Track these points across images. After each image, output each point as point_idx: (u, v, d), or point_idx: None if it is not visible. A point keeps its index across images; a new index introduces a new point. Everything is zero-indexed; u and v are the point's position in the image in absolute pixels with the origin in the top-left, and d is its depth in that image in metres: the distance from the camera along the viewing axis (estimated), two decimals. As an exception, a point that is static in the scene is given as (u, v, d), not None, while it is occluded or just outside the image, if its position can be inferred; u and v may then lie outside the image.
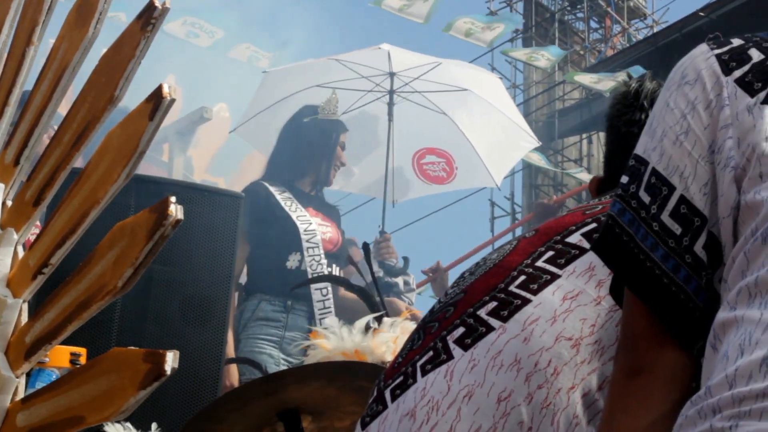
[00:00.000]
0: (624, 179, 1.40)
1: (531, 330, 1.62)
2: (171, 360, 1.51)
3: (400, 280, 5.73)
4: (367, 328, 3.00)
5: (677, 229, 1.32)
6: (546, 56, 14.59)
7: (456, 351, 1.66)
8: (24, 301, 1.85)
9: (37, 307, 1.80)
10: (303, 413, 2.39)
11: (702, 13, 17.14)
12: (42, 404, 1.71)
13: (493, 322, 1.66)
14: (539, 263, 1.71)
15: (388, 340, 2.92)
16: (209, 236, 3.61)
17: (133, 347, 1.60)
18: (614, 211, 1.39)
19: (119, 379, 1.57)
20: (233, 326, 4.82)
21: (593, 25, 21.56)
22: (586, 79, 14.50)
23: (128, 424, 2.83)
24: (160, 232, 1.58)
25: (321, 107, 5.24)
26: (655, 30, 20.23)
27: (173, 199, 1.59)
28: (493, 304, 1.68)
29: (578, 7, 21.25)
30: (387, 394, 1.70)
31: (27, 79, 2.11)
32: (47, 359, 2.62)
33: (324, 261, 4.82)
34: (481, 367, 1.61)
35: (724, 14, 16.80)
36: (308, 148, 5.15)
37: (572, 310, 1.62)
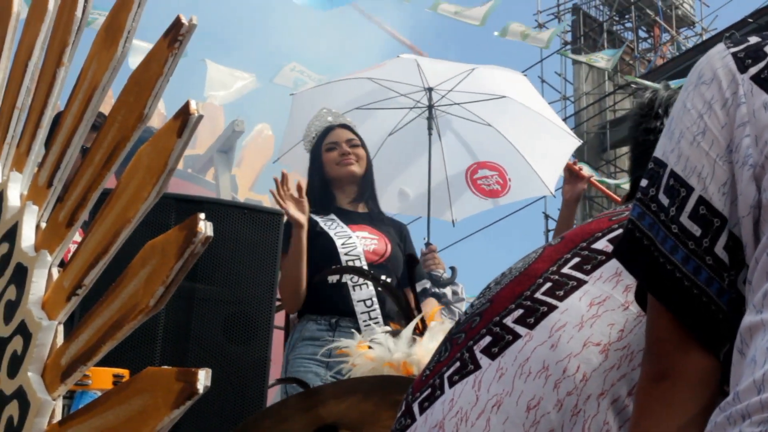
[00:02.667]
0: (643, 183, 1.38)
1: (558, 336, 1.59)
2: (203, 378, 1.49)
3: (448, 290, 5.68)
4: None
5: (697, 230, 1.30)
6: (604, 57, 14.62)
7: (483, 360, 1.63)
8: (59, 323, 1.84)
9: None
10: (341, 429, 2.37)
11: (750, 20, 17.10)
12: (78, 426, 1.70)
13: (520, 329, 1.63)
14: (565, 270, 1.68)
15: (432, 350, 2.87)
16: (251, 254, 3.59)
17: (168, 367, 1.59)
18: (634, 215, 1.37)
19: (153, 399, 1.55)
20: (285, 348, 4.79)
21: (642, 34, 21.54)
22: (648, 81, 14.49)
23: (172, 445, 2.82)
24: (190, 249, 1.56)
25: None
26: (704, 38, 20.16)
27: (202, 215, 1.57)
28: (519, 311, 1.66)
29: (626, 16, 21.23)
30: (415, 407, 1.67)
31: (58, 100, 2.11)
32: (90, 381, 2.62)
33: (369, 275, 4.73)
34: (509, 375, 1.59)
35: (773, 20, 16.76)
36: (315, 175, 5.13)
37: (600, 315, 1.59)
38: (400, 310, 3.20)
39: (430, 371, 1.71)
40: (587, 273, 1.66)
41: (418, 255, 5.59)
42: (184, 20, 1.75)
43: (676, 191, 1.33)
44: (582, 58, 15.20)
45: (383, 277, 4.71)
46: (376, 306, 4.61)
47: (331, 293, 4.68)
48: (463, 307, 5.57)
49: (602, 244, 1.68)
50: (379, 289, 4.61)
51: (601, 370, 1.55)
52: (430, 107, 6.79)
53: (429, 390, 1.67)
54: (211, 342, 3.43)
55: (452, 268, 5.66)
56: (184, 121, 1.65)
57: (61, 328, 1.85)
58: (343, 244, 4.72)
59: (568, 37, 20.51)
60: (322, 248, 4.72)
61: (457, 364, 1.66)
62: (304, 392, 2.37)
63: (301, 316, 4.82)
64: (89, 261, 1.77)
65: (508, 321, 1.65)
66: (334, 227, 4.83)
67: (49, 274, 1.91)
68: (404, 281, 4.91)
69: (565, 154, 7.23)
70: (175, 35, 1.74)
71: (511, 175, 7.10)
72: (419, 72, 6.79)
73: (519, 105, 6.95)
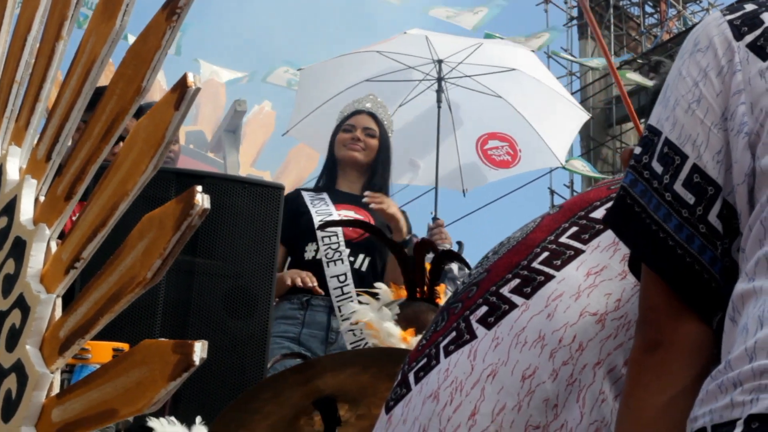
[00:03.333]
0: (637, 150, 1.37)
1: (555, 306, 1.58)
2: (200, 350, 1.50)
3: (454, 265, 5.62)
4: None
5: (690, 198, 1.30)
6: (595, 61, 14.53)
7: (479, 330, 1.62)
8: (57, 296, 1.84)
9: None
10: (339, 401, 2.37)
11: None
12: (76, 399, 1.70)
13: (516, 299, 1.63)
14: (563, 239, 1.67)
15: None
16: (250, 228, 3.58)
17: (164, 339, 1.59)
18: (626, 182, 1.36)
19: (150, 371, 1.56)
20: None
21: (648, 9, 21.49)
22: (639, 77, 14.47)
23: (173, 418, 2.82)
24: (188, 222, 1.56)
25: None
26: (711, 12, 20.10)
27: (199, 188, 1.57)
28: (516, 281, 1.65)
29: (633, -9, 21.17)
30: (411, 376, 1.67)
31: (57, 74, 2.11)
32: (90, 355, 2.62)
33: (344, 249, 4.74)
34: (505, 345, 1.58)
35: (778, -7, 16.73)
36: (328, 151, 5.19)
37: (597, 285, 1.58)
38: (404, 273, 3.22)
39: (427, 341, 1.70)
40: (585, 242, 1.65)
41: (425, 230, 5.59)
42: (182, -7, 1.74)
43: (670, 159, 1.32)
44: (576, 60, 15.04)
45: (359, 257, 4.73)
46: (350, 281, 4.62)
47: (308, 270, 4.71)
48: None
49: (600, 213, 1.67)
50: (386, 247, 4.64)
51: (598, 339, 1.54)
52: (440, 79, 6.78)
53: (425, 359, 1.66)
54: (212, 316, 3.42)
55: (459, 243, 5.60)
56: (181, 93, 1.65)
57: (59, 301, 1.85)
58: (320, 220, 4.73)
59: (574, 12, 20.47)
60: (302, 226, 4.76)
61: (453, 333, 1.65)
62: (301, 365, 2.37)
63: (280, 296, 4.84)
64: (87, 234, 1.77)
65: (505, 290, 1.64)
66: (317, 205, 4.84)
67: (48, 248, 1.91)
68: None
69: (575, 126, 7.24)
70: (173, 8, 1.74)
71: (521, 146, 7.12)
72: (428, 45, 6.78)
73: (529, 78, 6.96)
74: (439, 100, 6.70)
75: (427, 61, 6.82)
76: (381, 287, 3.21)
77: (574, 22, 19.65)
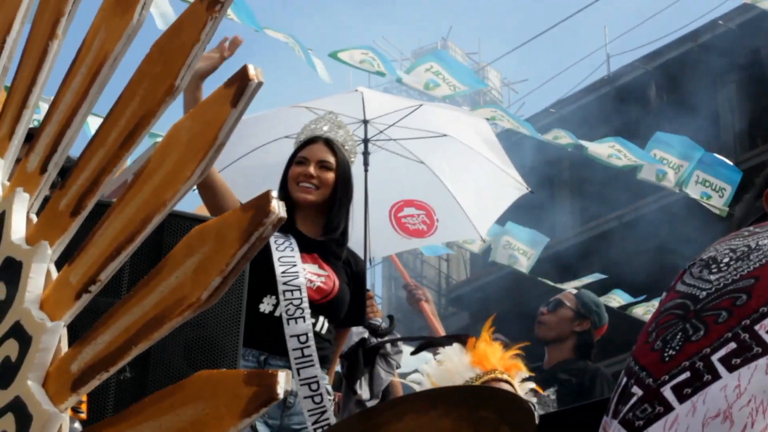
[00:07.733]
0: None
1: None
2: (283, 381, 1.26)
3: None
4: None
5: None
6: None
7: None
8: (65, 325, 1.58)
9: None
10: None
11: (552, 110, 18.46)
12: (99, 444, 1.44)
13: None
14: None
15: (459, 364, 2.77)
16: (214, 271, 3.26)
17: (224, 369, 1.35)
18: None
19: (212, 407, 1.31)
20: None
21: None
22: None
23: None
24: (259, 232, 1.33)
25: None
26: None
27: (274, 193, 1.34)
28: None
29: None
30: (668, 392, 1.41)
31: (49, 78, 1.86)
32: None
33: (306, 307, 4.32)
34: None
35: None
36: (281, 185, 4.79)
37: None
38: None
39: (677, 351, 1.45)
40: None
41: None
42: (228, -21, 1.52)
43: None
44: None
45: (320, 319, 4.44)
46: (311, 343, 4.24)
47: (264, 326, 4.29)
48: (401, 359, 5.06)
49: None
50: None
51: None
52: (366, 141, 6.42)
53: (687, 374, 1.41)
54: (173, 369, 3.08)
55: (390, 317, 5.19)
56: (240, 87, 1.41)
57: (65, 331, 1.59)
58: (283, 272, 4.31)
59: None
60: (261, 270, 4.26)
61: (732, 345, 1.40)
62: (369, 410, 2.11)
63: None
64: (108, 252, 1.51)
65: None
66: (282, 249, 4.41)
67: (48, 270, 1.65)
68: (348, 321, 4.71)
69: (509, 199, 7.00)
70: (217, -3, 1.51)
71: (439, 216, 6.82)
72: (361, 104, 6.47)
73: (461, 145, 6.68)
74: (366, 163, 6.31)
75: (353, 120, 6.48)
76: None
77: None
